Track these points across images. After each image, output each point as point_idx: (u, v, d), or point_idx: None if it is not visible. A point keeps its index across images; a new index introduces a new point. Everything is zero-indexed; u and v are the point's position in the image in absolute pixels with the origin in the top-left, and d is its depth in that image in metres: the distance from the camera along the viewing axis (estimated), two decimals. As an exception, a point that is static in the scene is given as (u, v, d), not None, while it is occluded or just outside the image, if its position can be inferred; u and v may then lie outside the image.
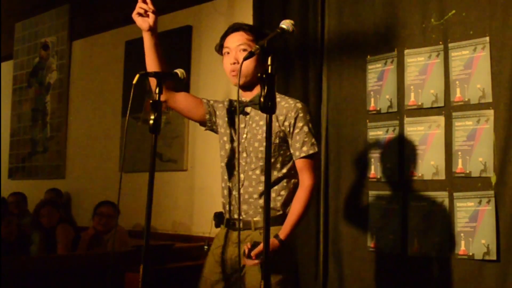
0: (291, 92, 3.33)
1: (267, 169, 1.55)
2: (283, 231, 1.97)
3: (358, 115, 3.13)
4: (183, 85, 3.82)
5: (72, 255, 3.89)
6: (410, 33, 2.96)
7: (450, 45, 2.81)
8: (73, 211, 5.16)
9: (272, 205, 2.01)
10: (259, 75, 1.58)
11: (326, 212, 3.21)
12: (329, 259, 3.18)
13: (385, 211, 2.98)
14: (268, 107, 1.55)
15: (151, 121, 1.95)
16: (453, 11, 2.80)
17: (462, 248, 2.68)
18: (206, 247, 2.00)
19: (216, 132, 2.23)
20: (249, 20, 3.58)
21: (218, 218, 2.16)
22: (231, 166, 2.12)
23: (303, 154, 2.03)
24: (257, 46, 1.61)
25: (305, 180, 2.03)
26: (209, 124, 2.22)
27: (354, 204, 3.11)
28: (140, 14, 2.06)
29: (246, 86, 2.10)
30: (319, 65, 3.31)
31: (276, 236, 1.94)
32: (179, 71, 2.07)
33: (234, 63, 2.07)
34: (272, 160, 2.04)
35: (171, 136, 4.30)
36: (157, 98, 1.97)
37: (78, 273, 3.32)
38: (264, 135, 1.96)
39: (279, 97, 2.07)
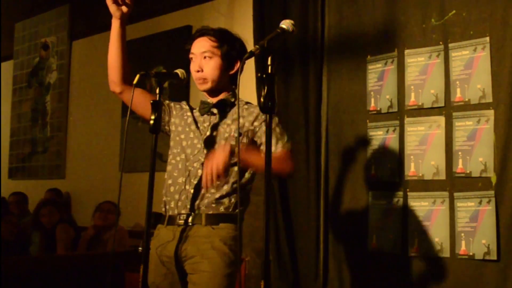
0: (291, 92, 3.33)
1: (267, 170, 1.55)
2: (250, 152, 1.95)
3: (358, 115, 3.12)
4: (184, 85, 3.82)
5: (72, 255, 3.89)
6: (410, 33, 2.95)
7: (450, 45, 2.81)
8: (73, 211, 5.15)
9: (227, 203, 2.01)
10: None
11: (326, 212, 3.21)
12: (329, 259, 3.17)
13: (385, 211, 2.97)
14: (268, 107, 1.55)
15: (151, 121, 1.96)
16: (453, 11, 2.80)
17: (462, 248, 2.68)
18: (140, 248, 1.94)
19: (166, 133, 2.23)
20: (249, 20, 3.58)
21: (155, 219, 2.08)
22: (188, 161, 2.10)
23: (279, 149, 2.01)
24: (257, 46, 1.60)
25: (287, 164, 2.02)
26: (162, 122, 2.19)
27: (354, 204, 3.11)
28: (115, 1, 2.05)
29: (213, 91, 2.10)
30: (319, 65, 3.31)
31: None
32: (180, 71, 2.07)
33: (198, 71, 2.06)
34: (236, 159, 1.99)
35: (171, 136, 4.29)
36: (157, 98, 1.97)
37: (78, 273, 3.32)
38: (232, 133, 2.02)
39: (248, 104, 2.11)
